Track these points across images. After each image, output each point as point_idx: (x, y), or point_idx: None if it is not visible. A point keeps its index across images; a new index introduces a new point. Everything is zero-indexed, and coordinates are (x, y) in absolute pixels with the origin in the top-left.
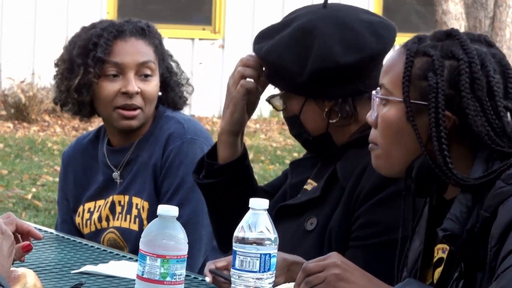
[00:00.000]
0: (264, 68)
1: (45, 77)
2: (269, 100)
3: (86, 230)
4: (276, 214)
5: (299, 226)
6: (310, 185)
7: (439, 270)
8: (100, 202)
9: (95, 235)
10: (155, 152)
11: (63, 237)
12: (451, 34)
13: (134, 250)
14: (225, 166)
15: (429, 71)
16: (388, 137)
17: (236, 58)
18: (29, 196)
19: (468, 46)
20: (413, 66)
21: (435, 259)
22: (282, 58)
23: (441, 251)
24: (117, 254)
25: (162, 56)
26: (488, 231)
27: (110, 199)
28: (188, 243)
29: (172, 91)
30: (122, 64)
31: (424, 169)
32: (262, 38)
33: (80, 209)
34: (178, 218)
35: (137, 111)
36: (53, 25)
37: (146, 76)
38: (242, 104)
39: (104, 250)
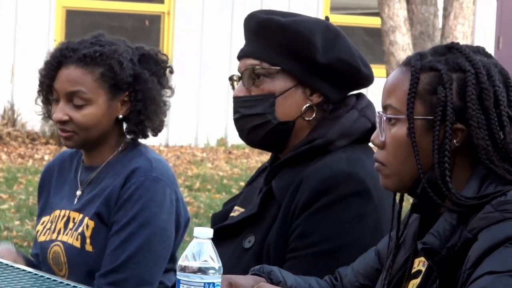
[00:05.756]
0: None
1: None
2: (248, 72)
3: (41, 238)
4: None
5: (238, 245)
6: (237, 211)
7: (414, 282)
8: (57, 213)
9: (47, 244)
10: (116, 180)
11: (5, 264)
12: (452, 47)
13: (72, 266)
14: None
15: (438, 84)
16: (399, 156)
17: (184, 85)
18: None
19: (472, 58)
20: (419, 82)
21: (413, 271)
22: (313, 32)
23: (421, 264)
24: (54, 280)
25: (114, 82)
26: (467, 253)
27: (67, 213)
28: (131, 277)
29: (129, 121)
30: (58, 91)
31: (431, 185)
32: (274, 13)
33: (46, 218)
34: (124, 251)
35: (69, 134)
36: None
37: (77, 105)
38: None
39: (41, 276)
